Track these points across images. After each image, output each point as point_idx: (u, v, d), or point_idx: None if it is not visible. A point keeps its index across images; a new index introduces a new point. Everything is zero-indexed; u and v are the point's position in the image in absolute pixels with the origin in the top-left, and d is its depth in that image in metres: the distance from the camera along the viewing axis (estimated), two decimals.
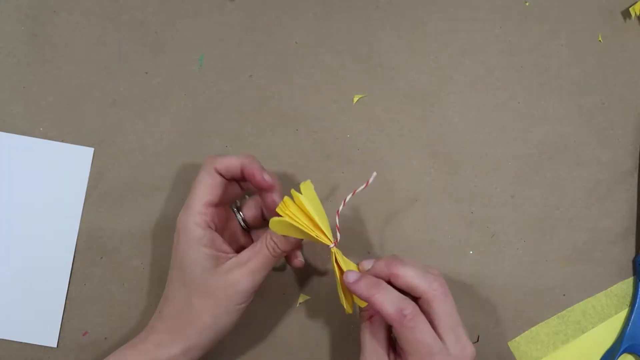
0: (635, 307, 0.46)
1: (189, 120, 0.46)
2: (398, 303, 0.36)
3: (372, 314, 0.38)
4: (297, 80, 0.47)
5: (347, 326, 0.45)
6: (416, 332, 0.35)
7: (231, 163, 0.39)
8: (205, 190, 0.39)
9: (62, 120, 0.46)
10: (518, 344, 0.45)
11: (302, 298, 0.45)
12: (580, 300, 0.46)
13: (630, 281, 0.46)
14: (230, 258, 0.38)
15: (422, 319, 0.36)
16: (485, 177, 0.47)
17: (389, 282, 0.37)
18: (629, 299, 0.46)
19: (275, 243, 0.38)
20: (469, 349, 0.36)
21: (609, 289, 0.46)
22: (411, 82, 0.47)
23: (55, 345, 0.44)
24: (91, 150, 0.46)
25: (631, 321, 0.45)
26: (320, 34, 0.48)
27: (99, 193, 0.45)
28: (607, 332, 0.46)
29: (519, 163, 0.47)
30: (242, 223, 0.42)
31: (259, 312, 0.45)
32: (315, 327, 0.45)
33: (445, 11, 0.48)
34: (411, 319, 0.35)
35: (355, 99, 0.47)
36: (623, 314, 0.46)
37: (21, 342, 0.44)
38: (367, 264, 0.39)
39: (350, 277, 0.37)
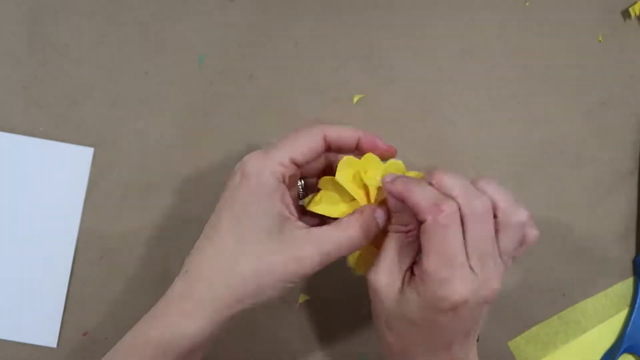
0: (635, 307, 0.45)
1: (189, 120, 0.46)
2: (436, 199, 0.31)
3: (411, 228, 0.33)
4: (297, 80, 0.47)
5: (347, 326, 0.45)
6: (447, 232, 0.31)
7: (347, 134, 0.35)
8: (301, 147, 0.34)
9: (62, 120, 0.46)
10: (518, 344, 0.45)
11: (302, 298, 0.45)
12: (580, 300, 0.46)
13: (630, 281, 0.46)
14: (300, 227, 0.33)
15: (458, 224, 0.31)
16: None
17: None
18: (629, 299, 0.46)
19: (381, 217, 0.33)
20: (494, 283, 0.31)
21: (609, 289, 0.46)
22: (411, 82, 0.47)
23: (55, 345, 0.44)
24: (91, 150, 0.46)
25: (631, 321, 0.45)
26: (320, 34, 0.48)
27: (99, 193, 0.45)
28: (607, 332, 0.46)
29: (519, 163, 0.47)
30: (301, 191, 0.38)
31: (258, 312, 0.45)
32: (315, 327, 0.45)
33: (445, 11, 0.48)
34: (446, 216, 0.30)
35: (355, 99, 0.47)
36: (623, 314, 0.46)
37: (21, 342, 0.44)
38: (389, 177, 0.34)
39: (388, 177, 0.33)
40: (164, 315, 0.33)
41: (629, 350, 0.45)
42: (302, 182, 0.38)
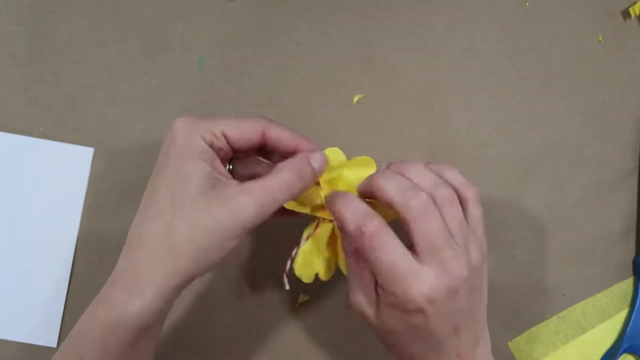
0: (635, 307, 0.45)
1: None
2: (359, 218, 0.31)
3: (356, 246, 0.34)
4: (297, 80, 0.47)
5: (347, 326, 0.45)
6: (377, 252, 0.31)
7: (285, 140, 0.35)
8: (237, 127, 0.33)
9: (62, 120, 0.46)
10: (518, 344, 0.45)
11: (302, 298, 0.45)
12: (580, 300, 0.46)
13: (630, 281, 0.46)
14: (233, 184, 0.33)
15: (386, 237, 0.31)
16: (485, 177, 0.47)
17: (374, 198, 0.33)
18: (629, 299, 0.46)
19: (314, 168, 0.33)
20: (456, 271, 0.31)
21: (609, 289, 0.46)
22: (411, 82, 0.47)
23: (55, 346, 0.44)
24: (91, 150, 0.46)
25: (631, 321, 0.45)
26: (320, 34, 0.48)
27: (99, 193, 0.45)
28: (607, 332, 0.46)
29: (519, 163, 0.47)
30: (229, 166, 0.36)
31: (258, 313, 0.45)
32: (315, 327, 0.45)
33: (445, 11, 0.48)
34: (370, 237, 0.31)
35: (355, 99, 0.47)
36: (623, 314, 0.46)
37: (21, 342, 0.44)
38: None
39: (330, 195, 0.34)
40: (110, 294, 0.32)
41: (629, 350, 0.45)
42: (230, 165, 0.36)
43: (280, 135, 0.35)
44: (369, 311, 0.34)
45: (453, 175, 0.35)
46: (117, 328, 0.31)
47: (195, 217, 0.31)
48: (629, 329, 0.45)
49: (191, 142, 0.32)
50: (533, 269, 0.46)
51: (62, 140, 0.46)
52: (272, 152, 0.36)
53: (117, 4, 0.47)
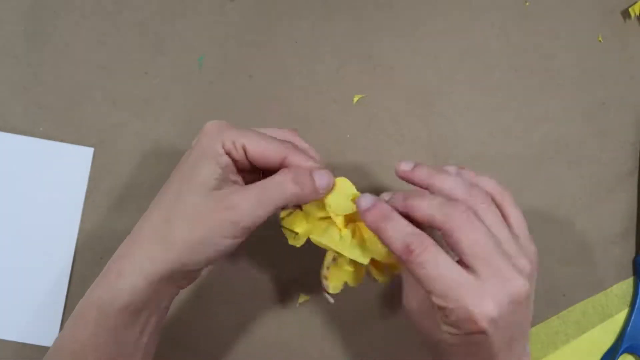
0: (636, 307, 0.46)
1: (189, 121, 0.46)
2: (406, 236, 0.31)
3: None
4: (297, 80, 0.47)
5: (347, 326, 0.45)
6: (427, 267, 0.30)
7: (303, 167, 0.34)
8: (260, 148, 0.33)
9: (62, 120, 0.46)
10: None
11: (302, 298, 0.45)
12: (580, 300, 0.46)
13: (630, 281, 0.46)
14: (238, 186, 0.34)
15: (434, 252, 0.30)
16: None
17: (408, 217, 0.32)
18: (629, 299, 0.46)
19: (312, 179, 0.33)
20: (516, 281, 0.29)
21: (609, 289, 0.46)
22: (411, 82, 0.47)
23: None
24: (91, 150, 0.46)
25: (631, 321, 0.45)
26: (320, 34, 0.48)
27: (99, 193, 0.45)
28: (607, 332, 0.46)
29: (519, 163, 0.47)
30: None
31: (258, 313, 0.45)
32: (315, 327, 0.45)
33: (445, 11, 0.48)
34: (419, 254, 0.30)
35: (355, 99, 0.47)
36: (623, 314, 0.46)
37: (21, 342, 0.44)
38: (386, 196, 0.34)
39: (363, 202, 0.33)
40: (104, 277, 0.34)
41: (629, 350, 0.45)
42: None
43: (301, 165, 0.34)
44: (420, 318, 0.33)
45: (485, 182, 0.34)
46: (109, 307, 0.33)
47: (192, 211, 0.32)
48: (629, 329, 0.45)
49: (211, 146, 0.33)
50: None
51: (62, 140, 0.46)
52: None
53: (117, 4, 0.47)
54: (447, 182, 0.33)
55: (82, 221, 0.45)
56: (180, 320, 0.44)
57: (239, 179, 0.35)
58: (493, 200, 0.33)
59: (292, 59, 0.47)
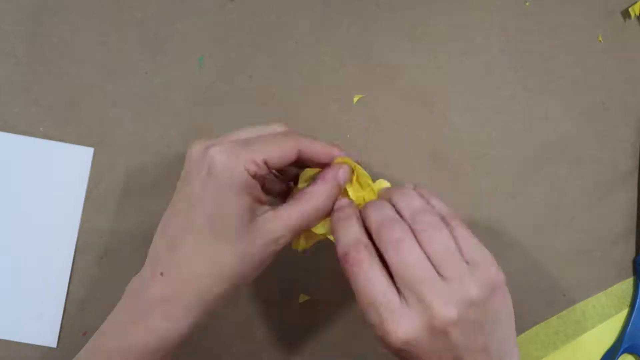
0: (636, 307, 0.46)
1: (189, 120, 0.46)
2: (348, 242, 0.32)
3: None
4: (297, 80, 0.47)
5: (347, 326, 0.45)
6: (356, 279, 0.31)
7: (319, 153, 0.35)
8: (276, 152, 0.33)
9: (62, 120, 0.46)
10: (518, 344, 0.45)
11: (302, 298, 0.45)
12: (580, 300, 0.46)
13: (630, 281, 0.46)
14: (266, 210, 0.33)
15: (367, 265, 0.31)
16: (485, 177, 0.47)
17: None
18: (629, 299, 0.46)
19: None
20: (440, 309, 0.29)
21: (609, 289, 0.46)
22: (411, 82, 0.47)
23: (55, 346, 0.44)
24: (91, 150, 0.46)
25: (631, 321, 0.45)
26: (320, 34, 0.48)
27: (99, 193, 0.45)
28: (607, 332, 0.46)
29: (519, 163, 0.47)
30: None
31: (258, 313, 0.45)
32: (315, 327, 0.45)
33: (445, 11, 0.48)
34: (352, 264, 0.31)
35: (355, 99, 0.47)
36: (623, 314, 0.46)
37: (21, 342, 0.44)
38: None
39: (338, 203, 0.34)
40: (147, 320, 0.32)
41: (629, 350, 0.45)
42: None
43: (312, 149, 0.34)
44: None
45: (436, 203, 0.34)
46: (155, 352, 0.32)
47: (241, 250, 0.32)
48: (629, 329, 0.45)
49: (235, 177, 0.32)
50: (533, 268, 0.46)
51: (62, 140, 0.46)
52: (305, 166, 0.36)
53: (117, 4, 0.47)
54: (400, 202, 0.33)
55: (82, 221, 0.45)
56: None
57: (263, 197, 0.34)
58: (444, 221, 0.32)
59: (292, 59, 0.47)
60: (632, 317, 0.45)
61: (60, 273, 0.44)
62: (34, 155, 0.45)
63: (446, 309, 0.29)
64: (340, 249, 0.32)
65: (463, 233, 0.32)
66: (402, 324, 0.30)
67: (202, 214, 0.32)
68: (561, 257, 0.46)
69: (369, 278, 0.31)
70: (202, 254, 0.32)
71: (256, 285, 0.45)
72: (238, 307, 0.45)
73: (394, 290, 0.30)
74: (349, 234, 0.32)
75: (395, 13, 0.48)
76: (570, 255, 0.46)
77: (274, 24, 0.48)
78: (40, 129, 0.46)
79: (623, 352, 0.45)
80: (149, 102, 0.46)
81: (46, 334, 0.44)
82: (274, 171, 0.38)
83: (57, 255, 0.45)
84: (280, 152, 0.33)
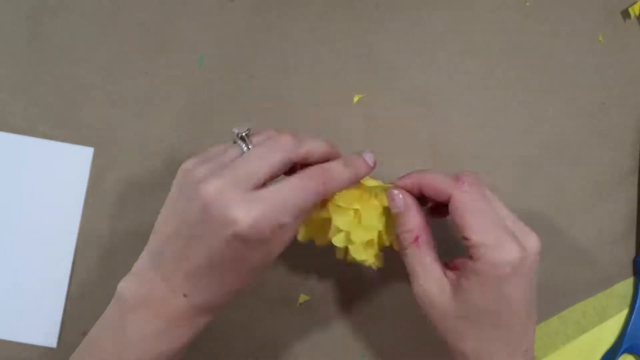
0: (636, 307, 0.45)
1: (189, 120, 0.46)
2: (449, 175, 0.34)
3: (417, 234, 0.35)
4: (297, 80, 0.47)
5: (347, 326, 0.45)
6: (476, 198, 0.33)
7: (317, 153, 0.35)
8: (276, 166, 0.33)
9: (62, 120, 0.46)
10: None
11: (302, 298, 0.45)
12: (580, 300, 0.46)
13: (630, 281, 0.46)
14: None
15: (481, 187, 0.34)
16: (485, 177, 0.47)
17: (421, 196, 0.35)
18: (629, 299, 0.46)
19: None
20: (514, 253, 0.32)
21: (609, 289, 0.46)
22: (411, 82, 0.47)
23: (55, 346, 0.44)
24: (91, 150, 0.46)
25: (631, 321, 0.45)
26: (320, 34, 0.48)
27: (99, 193, 0.45)
28: (607, 332, 0.46)
29: (519, 163, 0.47)
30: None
31: (258, 313, 0.45)
32: (315, 327, 0.45)
33: (445, 11, 0.48)
34: (471, 184, 0.34)
35: (355, 99, 0.47)
36: (623, 314, 0.46)
37: (21, 342, 0.44)
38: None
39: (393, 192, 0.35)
40: (161, 301, 0.34)
41: (629, 350, 0.45)
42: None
43: (314, 153, 0.35)
44: (443, 300, 0.34)
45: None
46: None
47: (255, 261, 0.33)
48: (629, 329, 0.45)
49: (263, 240, 0.32)
50: None
51: (62, 140, 0.46)
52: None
53: (117, 4, 0.47)
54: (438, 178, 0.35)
55: (82, 221, 0.45)
56: None
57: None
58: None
59: (292, 59, 0.47)
60: (632, 317, 0.45)
61: (60, 273, 0.44)
62: (33, 155, 0.45)
63: (518, 250, 0.33)
64: (446, 178, 0.34)
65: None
66: (514, 243, 0.32)
67: (222, 270, 0.33)
68: (561, 257, 0.46)
69: (486, 199, 0.35)
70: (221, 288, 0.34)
71: (256, 285, 0.45)
72: (238, 307, 0.45)
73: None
74: (439, 173, 0.35)
75: (395, 13, 0.48)
76: (570, 255, 0.46)
77: (274, 24, 0.48)
78: (40, 129, 0.46)
79: (623, 352, 0.45)
80: (149, 102, 0.46)
81: (46, 334, 0.44)
82: None
83: (57, 256, 0.45)
84: (280, 164, 0.33)
